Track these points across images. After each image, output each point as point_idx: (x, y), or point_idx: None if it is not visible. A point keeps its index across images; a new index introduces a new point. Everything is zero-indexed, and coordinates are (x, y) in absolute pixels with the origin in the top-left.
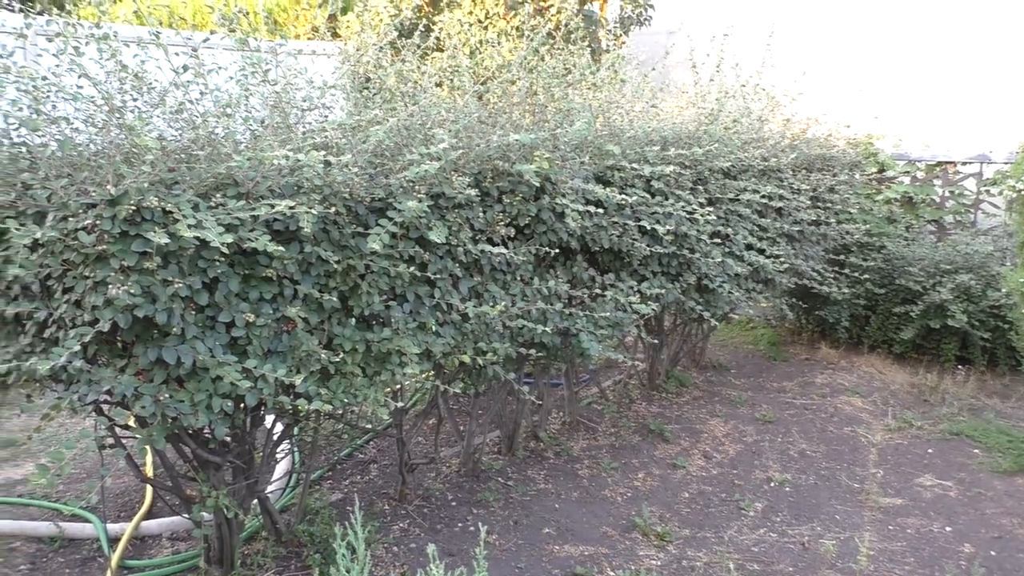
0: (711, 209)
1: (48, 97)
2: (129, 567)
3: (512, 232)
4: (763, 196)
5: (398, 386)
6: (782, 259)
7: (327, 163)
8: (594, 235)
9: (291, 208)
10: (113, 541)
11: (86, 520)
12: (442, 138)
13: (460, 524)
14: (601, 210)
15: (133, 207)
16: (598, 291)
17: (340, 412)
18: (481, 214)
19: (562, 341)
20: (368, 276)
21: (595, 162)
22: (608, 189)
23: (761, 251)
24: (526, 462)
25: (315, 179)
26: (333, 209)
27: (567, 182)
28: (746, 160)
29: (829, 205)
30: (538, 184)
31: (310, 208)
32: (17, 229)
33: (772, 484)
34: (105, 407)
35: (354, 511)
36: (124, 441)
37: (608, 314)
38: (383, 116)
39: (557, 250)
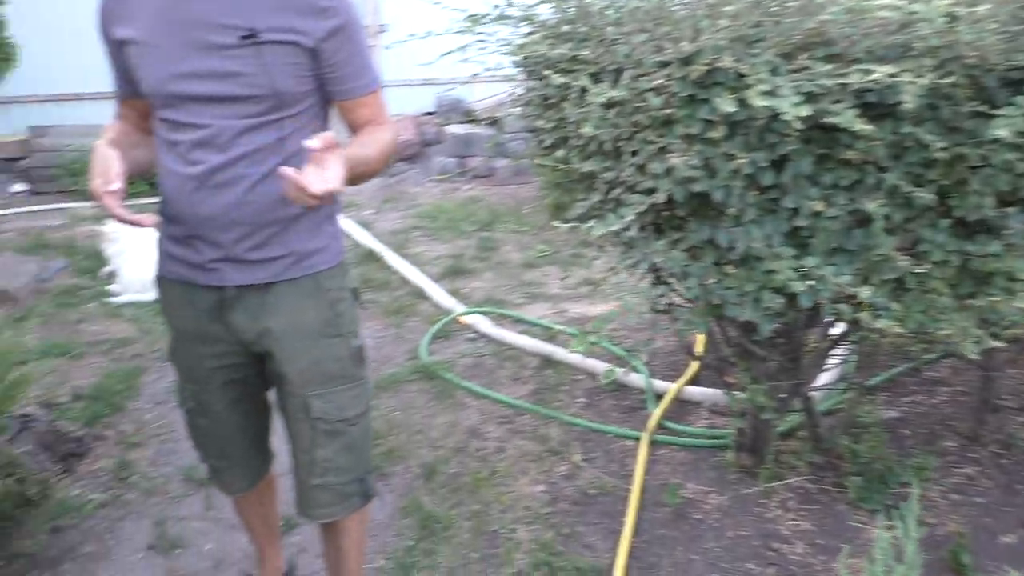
0: None
1: None
2: (667, 427)
3: None
4: None
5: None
6: None
7: (952, 16)
8: None
9: (892, 76)
10: (657, 397)
11: (637, 371)
12: None
13: None
14: None
15: (706, 67)
16: None
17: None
18: None
19: None
20: (982, 171)
21: None
22: None
23: None
24: None
25: (932, 38)
26: (950, 79)
27: None
28: None
29: None
30: None
31: (918, 76)
32: (592, 87)
33: None
34: (664, 273)
35: (911, 437)
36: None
37: None
38: None
39: None
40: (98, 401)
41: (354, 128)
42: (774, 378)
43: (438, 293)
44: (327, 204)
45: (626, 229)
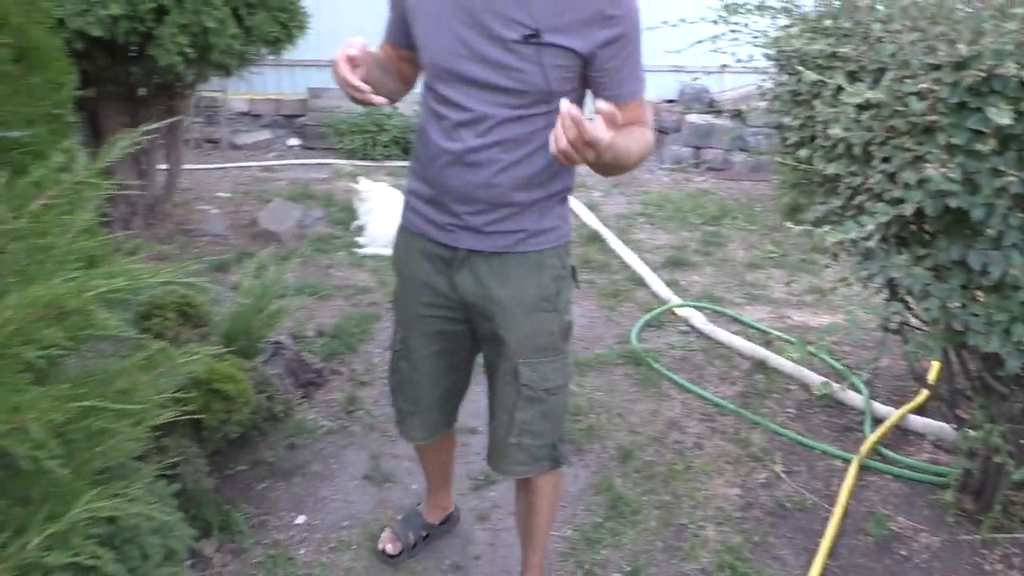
0: None
1: None
2: (882, 453)
3: None
4: None
5: None
6: None
7: None
8: None
9: None
10: (875, 421)
11: (857, 390)
12: None
13: None
14: None
15: (983, 73)
16: None
17: None
18: None
19: None
20: None
21: None
22: None
23: None
24: None
25: None
26: None
27: None
28: None
29: None
30: None
31: None
32: (848, 86)
33: None
34: (902, 289)
35: None
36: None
37: None
38: None
39: None
40: (337, 340)
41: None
42: (1016, 420)
43: (656, 282)
44: (582, 161)
45: (866, 239)
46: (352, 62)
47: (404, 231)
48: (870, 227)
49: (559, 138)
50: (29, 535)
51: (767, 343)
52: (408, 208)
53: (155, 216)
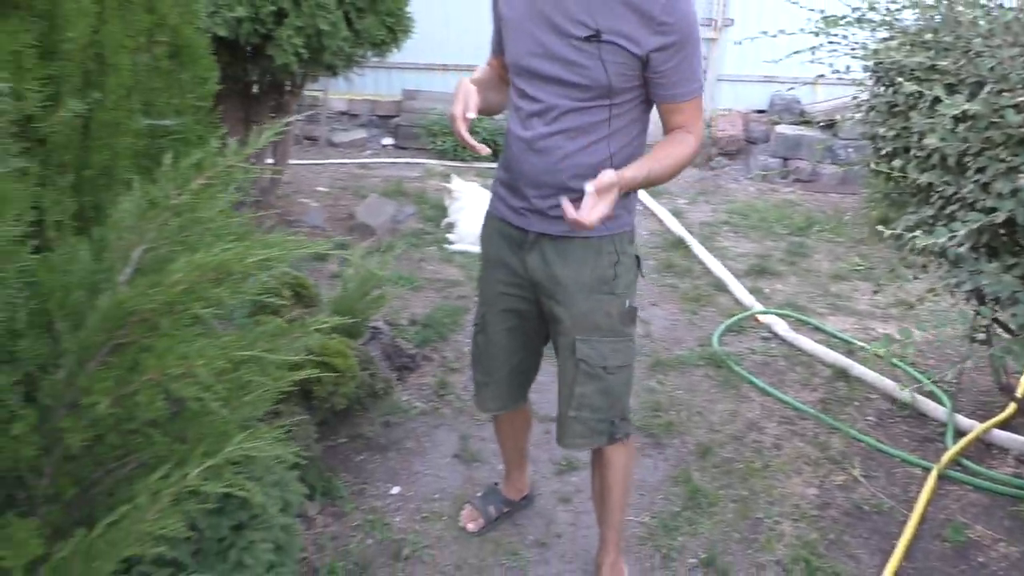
0: None
1: None
2: (963, 465)
3: None
4: None
5: None
6: None
7: None
8: None
9: None
10: (958, 434)
11: (940, 402)
12: None
13: None
14: None
15: None
16: None
17: None
18: None
19: None
20: None
21: None
22: None
23: None
24: None
25: None
26: None
27: None
28: None
29: None
30: None
31: None
32: (946, 98)
33: None
34: (989, 298)
35: None
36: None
37: None
38: None
39: None
40: (429, 328)
41: (667, 128)
42: None
43: (738, 288)
44: (614, 202)
45: (955, 245)
46: (468, 122)
47: (489, 216)
48: (961, 232)
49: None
50: (189, 467)
51: (849, 352)
52: (493, 194)
53: (261, 206)
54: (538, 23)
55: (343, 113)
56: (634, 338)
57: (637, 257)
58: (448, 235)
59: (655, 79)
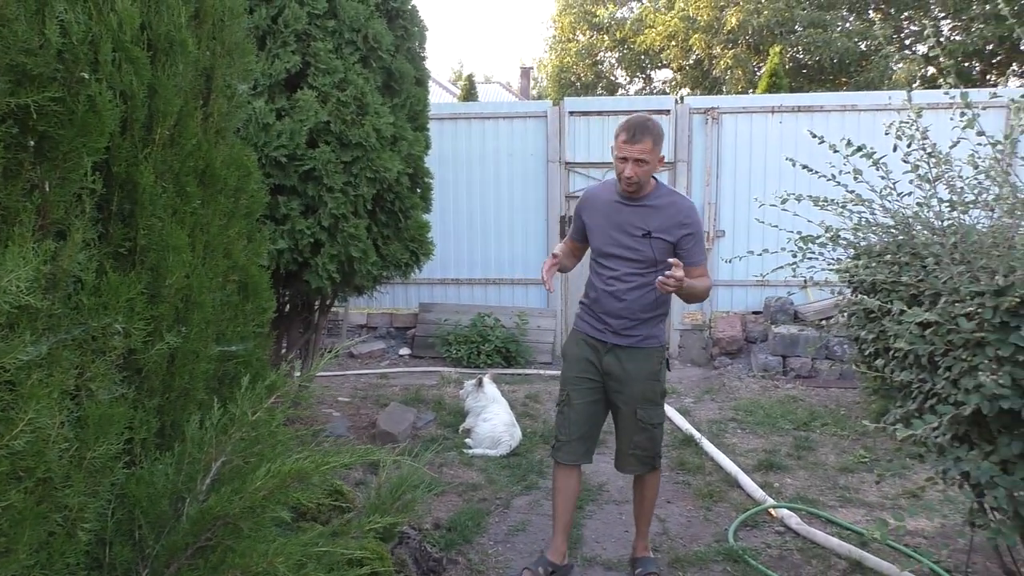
0: None
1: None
2: None
3: None
4: None
5: None
6: None
7: None
8: None
9: None
10: None
11: None
12: None
13: None
14: None
15: (1017, 299)
16: None
17: None
18: None
19: None
20: None
21: None
22: None
23: None
24: None
25: None
26: None
27: None
28: None
29: None
30: None
31: None
32: (908, 310)
33: None
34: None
35: None
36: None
37: None
38: None
39: None
40: (453, 532)
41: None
42: None
43: (749, 484)
44: (674, 291)
45: (936, 435)
46: (556, 264)
47: (576, 332)
48: (933, 424)
49: (667, 281)
50: None
51: (862, 544)
52: (579, 319)
53: (288, 418)
54: (614, 228)
55: (362, 326)
56: (663, 405)
57: (667, 359)
58: (466, 440)
59: (682, 253)
